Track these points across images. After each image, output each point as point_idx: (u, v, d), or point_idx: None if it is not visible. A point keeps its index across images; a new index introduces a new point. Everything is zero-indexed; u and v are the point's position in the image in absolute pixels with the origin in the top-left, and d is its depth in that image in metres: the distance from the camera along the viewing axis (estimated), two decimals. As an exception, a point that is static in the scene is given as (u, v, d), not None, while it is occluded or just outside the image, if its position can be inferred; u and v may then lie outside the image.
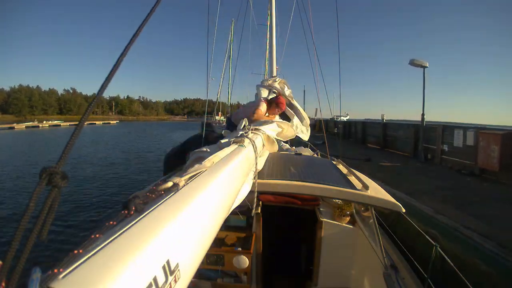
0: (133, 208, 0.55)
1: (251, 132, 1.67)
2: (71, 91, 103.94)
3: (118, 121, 66.47)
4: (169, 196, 0.63)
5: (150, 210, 0.55)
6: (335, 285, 2.37)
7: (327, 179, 1.99)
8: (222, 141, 1.36)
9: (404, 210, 1.72)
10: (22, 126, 38.43)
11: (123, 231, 0.47)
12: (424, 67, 9.11)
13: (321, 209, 2.54)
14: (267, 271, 2.40)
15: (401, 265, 2.07)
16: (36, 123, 42.93)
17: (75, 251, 0.41)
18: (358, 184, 1.93)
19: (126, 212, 0.54)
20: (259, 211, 2.33)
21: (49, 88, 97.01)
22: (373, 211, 2.20)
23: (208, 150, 1.18)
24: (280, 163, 2.51)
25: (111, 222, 0.51)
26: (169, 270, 0.47)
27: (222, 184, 0.85)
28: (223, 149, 1.10)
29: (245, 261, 1.93)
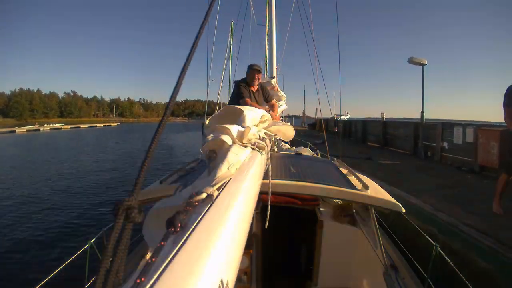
0: (179, 225, 0.51)
1: (264, 132, 1.65)
2: (71, 94, 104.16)
3: (118, 123, 66.45)
4: (207, 208, 0.61)
5: (194, 226, 0.52)
6: (335, 285, 2.38)
7: (327, 179, 2.00)
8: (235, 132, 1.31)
9: (404, 210, 1.72)
10: (23, 129, 38.43)
11: (177, 252, 0.44)
12: (423, 64, 9.11)
13: (321, 209, 2.55)
14: (267, 271, 2.41)
15: (401, 265, 2.07)
16: (37, 126, 42.93)
17: (138, 280, 0.38)
18: (358, 184, 1.94)
19: (172, 229, 0.51)
20: (259, 211, 2.35)
21: (50, 92, 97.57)
22: (373, 211, 2.21)
23: (227, 142, 1.11)
24: (280, 163, 2.53)
25: (161, 243, 0.48)
26: None
27: (248, 191, 0.83)
28: (241, 151, 1.06)
29: (245, 261, 1.94)
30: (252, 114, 1.46)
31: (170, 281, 0.39)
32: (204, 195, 0.66)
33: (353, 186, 1.90)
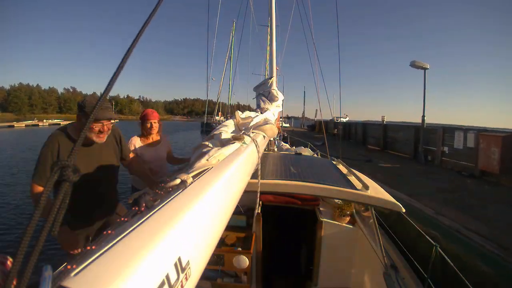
0: (143, 205, 0.54)
1: (252, 131, 1.68)
2: (71, 90, 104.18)
3: (117, 120, 66.35)
4: (177, 193, 0.63)
5: (160, 207, 0.55)
6: (335, 285, 2.37)
7: (327, 179, 1.98)
8: (223, 137, 1.36)
9: (404, 210, 1.72)
10: (22, 124, 38.35)
11: (135, 227, 0.46)
12: (425, 68, 9.12)
13: (321, 209, 2.54)
14: (267, 271, 2.39)
15: (401, 265, 2.06)
16: (36, 121, 42.88)
17: (88, 248, 0.40)
18: (358, 184, 1.93)
19: (136, 208, 0.53)
20: (259, 211, 2.33)
21: (49, 87, 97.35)
22: (373, 211, 2.20)
23: (210, 146, 1.17)
24: (280, 163, 2.51)
25: (122, 219, 0.50)
26: (180, 268, 0.47)
27: (228, 181, 0.84)
28: (227, 147, 1.10)
29: (245, 261, 1.92)
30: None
31: (121, 252, 0.40)
32: (178, 181, 0.70)
33: (353, 186, 1.89)
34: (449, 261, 1.85)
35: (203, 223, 0.62)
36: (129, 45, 0.57)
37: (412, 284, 1.86)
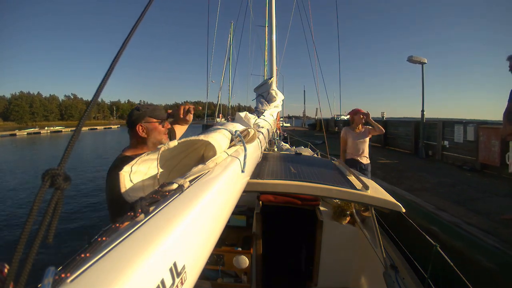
0: (139, 210, 0.54)
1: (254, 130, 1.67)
2: (72, 97, 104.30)
3: (119, 126, 66.43)
4: (174, 197, 0.63)
5: (155, 212, 0.54)
6: (335, 285, 2.37)
7: (327, 179, 1.99)
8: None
9: (404, 210, 1.71)
10: (24, 133, 38.51)
11: (130, 233, 0.46)
12: (423, 63, 9.10)
13: (321, 209, 2.55)
14: (267, 271, 2.40)
15: (401, 265, 2.06)
16: (37, 129, 43.04)
17: (82, 255, 0.40)
18: (358, 184, 1.93)
19: (132, 214, 0.53)
20: (259, 211, 2.35)
21: (50, 94, 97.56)
22: (373, 211, 2.20)
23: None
24: (280, 163, 2.52)
25: (117, 225, 0.50)
26: (176, 273, 0.47)
27: (226, 185, 0.85)
28: (225, 150, 1.10)
29: (245, 261, 1.94)
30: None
31: (116, 258, 0.40)
32: (174, 186, 0.68)
33: (353, 186, 1.90)
34: (449, 261, 1.84)
35: (200, 227, 0.62)
36: (118, 50, 0.57)
37: (412, 284, 1.87)
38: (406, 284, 1.85)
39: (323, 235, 2.36)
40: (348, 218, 2.46)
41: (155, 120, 1.48)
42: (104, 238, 0.45)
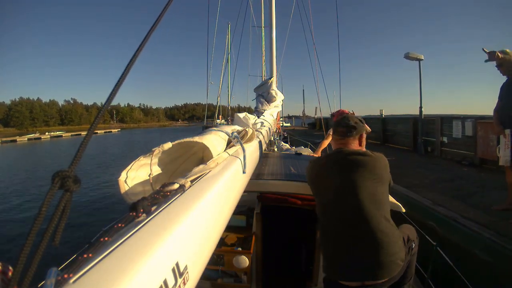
0: (141, 210, 0.54)
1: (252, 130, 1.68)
2: (71, 102, 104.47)
3: (119, 129, 66.37)
4: (175, 197, 0.63)
5: (157, 212, 0.54)
6: None
7: None
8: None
9: (404, 210, 1.72)
10: (24, 138, 38.50)
11: (133, 234, 0.46)
12: (420, 60, 9.11)
13: None
14: (267, 271, 2.41)
15: None
16: (38, 135, 43.06)
17: (85, 255, 0.40)
18: None
19: (134, 214, 0.53)
20: (259, 211, 2.36)
21: (50, 100, 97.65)
22: None
23: None
24: (280, 163, 2.53)
25: (119, 225, 0.49)
26: (178, 273, 0.47)
27: (227, 185, 0.85)
28: (226, 150, 1.11)
29: (245, 261, 1.94)
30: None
31: (119, 259, 0.40)
32: (176, 186, 0.69)
33: None
34: (449, 261, 1.84)
35: (201, 227, 0.62)
36: (132, 56, 0.58)
37: (412, 284, 1.89)
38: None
39: None
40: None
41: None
42: (106, 238, 0.45)
